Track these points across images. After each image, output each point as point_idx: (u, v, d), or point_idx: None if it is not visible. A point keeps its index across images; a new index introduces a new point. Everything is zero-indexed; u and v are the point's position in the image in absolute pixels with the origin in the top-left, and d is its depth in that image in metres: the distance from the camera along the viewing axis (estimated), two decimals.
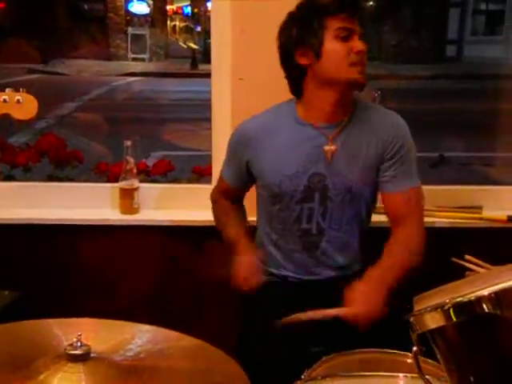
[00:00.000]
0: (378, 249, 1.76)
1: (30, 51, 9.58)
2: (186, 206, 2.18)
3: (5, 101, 1.33)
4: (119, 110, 8.80)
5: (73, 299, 2.06)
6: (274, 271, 1.78)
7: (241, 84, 2.01)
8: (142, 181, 2.27)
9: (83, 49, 13.84)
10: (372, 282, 1.58)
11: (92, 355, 1.02)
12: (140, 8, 15.76)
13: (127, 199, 2.10)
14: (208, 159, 2.22)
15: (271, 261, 1.78)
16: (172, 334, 1.17)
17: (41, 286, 2.07)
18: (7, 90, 1.36)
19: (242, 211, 1.87)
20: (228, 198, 1.86)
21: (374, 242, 1.81)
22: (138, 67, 13.49)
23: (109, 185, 2.21)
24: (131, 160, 2.09)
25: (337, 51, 1.59)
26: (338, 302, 1.66)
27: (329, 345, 1.52)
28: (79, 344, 1.01)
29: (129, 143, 2.08)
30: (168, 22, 15.49)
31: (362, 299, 1.53)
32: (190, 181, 2.44)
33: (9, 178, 2.32)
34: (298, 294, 1.73)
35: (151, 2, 15.70)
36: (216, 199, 1.88)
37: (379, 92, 2.67)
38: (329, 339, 1.61)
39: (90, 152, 4.92)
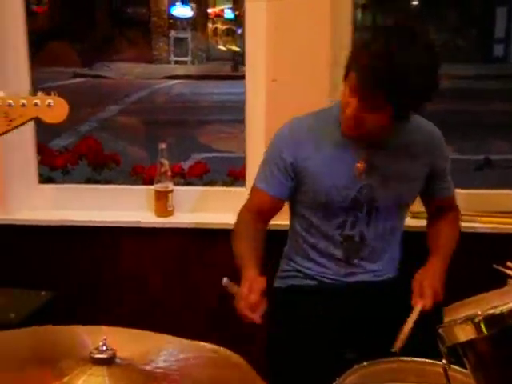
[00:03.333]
0: (412, 253, 1.75)
1: (69, 55, 9.80)
2: (220, 208, 2.17)
3: (36, 104, 1.34)
4: (160, 112, 8.91)
5: (108, 300, 2.08)
6: (309, 272, 1.76)
7: (274, 85, 1.99)
8: (177, 183, 2.28)
9: (127, 52, 14.08)
10: (435, 271, 1.65)
11: (117, 360, 1.02)
12: (183, 11, 15.91)
13: (162, 202, 2.11)
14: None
15: (307, 264, 1.77)
16: (199, 346, 1.16)
17: (76, 286, 2.10)
18: (39, 93, 1.37)
19: (263, 236, 1.71)
20: (258, 215, 1.73)
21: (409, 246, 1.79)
22: (180, 70, 13.63)
23: (144, 187, 2.23)
24: (165, 162, 2.09)
25: (343, 92, 1.57)
26: (371, 305, 1.66)
27: (363, 351, 1.51)
28: (104, 348, 1.01)
29: (163, 146, 2.09)
30: (209, 25, 15.60)
31: (430, 291, 1.58)
32: (225, 183, 2.43)
33: (48, 180, 2.36)
34: (333, 297, 1.72)
35: (194, 6, 15.83)
36: (240, 218, 1.74)
37: None
38: (364, 346, 1.60)
39: (129, 155, 4.99)
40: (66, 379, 0.97)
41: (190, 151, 5.76)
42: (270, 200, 1.72)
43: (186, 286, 2.11)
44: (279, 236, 1.84)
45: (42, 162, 2.34)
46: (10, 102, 1.34)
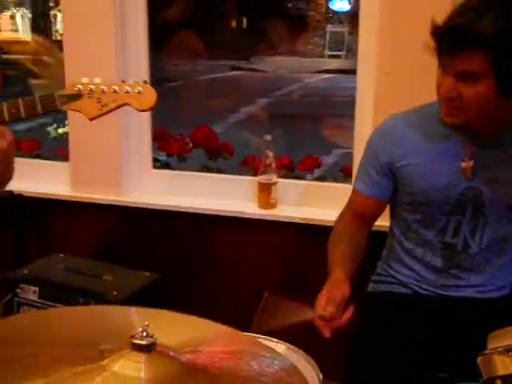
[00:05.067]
0: None
1: (196, 46, 10.14)
2: (325, 204, 2.10)
3: (127, 91, 1.37)
4: (304, 105, 8.93)
5: (204, 286, 2.12)
6: (403, 279, 1.64)
7: (386, 79, 1.87)
8: (285, 176, 2.25)
9: (283, 46, 14.28)
10: None
11: (158, 348, 1.01)
12: (341, 5, 15.79)
13: (265, 193, 2.10)
14: None
15: (402, 270, 1.64)
16: (251, 340, 1.12)
17: (178, 271, 2.15)
18: (131, 80, 1.40)
19: (362, 238, 1.62)
20: (358, 217, 1.64)
21: None
22: (334, 64, 13.53)
23: (250, 178, 2.22)
24: (271, 154, 2.07)
25: (436, 78, 1.45)
26: (470, 323, 1.50)
27: (455, 371, 1.40)
28: (144, 334, 1.00)
29: (269, 137, 2.07)
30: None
31: None
32: (336, 180, 2.35)
33: (165, 165, 2.45)
34: (427, 309, 1.58)
35: None
36: (339, 220, 1.66)
37: None
38: (456, 366, 1.45)
39: (252, 146, 5.04)
40: (104, 362, 0.98)
41: (331, 147, 5.70)
42: (368, 202, 1.63)
43: (279, 281, 2.07)
44: (380, 237, 1.73)
45: (160, 148, 2.43)
46: (104, 87, 1.38)
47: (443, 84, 1.41)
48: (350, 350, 1.60)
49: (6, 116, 1.36)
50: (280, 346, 1.32)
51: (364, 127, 1.96)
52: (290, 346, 1.34)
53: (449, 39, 1.37)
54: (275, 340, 1.34)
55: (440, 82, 1.44)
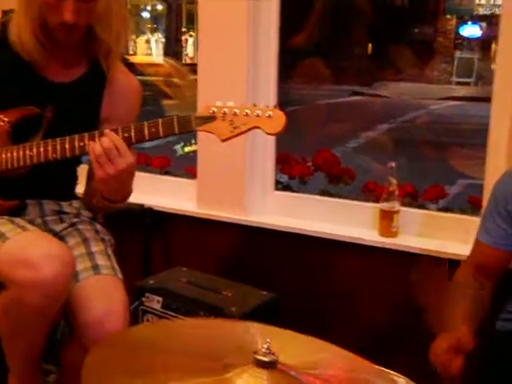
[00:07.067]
0: None
1: (321, 72, 10.13)
2: (450, 236, 2.04)
3: (258, 115, 1.41)
4: (428, 133, 8.69)
5: (321, 310, 2.12)
6: None
7: None
8: (408, 205, 2.21)
9: (407, 72, 14.04)
10: None
11: (279, 366, 1.03)
12: (472, 31, 15.27)
13: (386, 221, 2.07)
14: None
15: None
16: (370, 367, 1.11)
17: (293, 292, 2.16)
18: (261, 104, 1.45)
19: (482, 297, 1.55)
20: (481, 271, 1.58)
21: None
22: (462, 91, 13.08)
23: (372, 204, 2.20)
24: (394, 181, 2.04)
25: None
26: None
27: None
28: (268, 351, 1.03)
29: (393, 164, 2.05)
30: (493, 46, 14.66)
31: None
32: (463, 211, 2.26)
33: (286, 188, 2.49)
34: None
35: (484, 25, 15.07)
36: (458, 277, 1.58)
37: None
38: None
39: (372, 171, 4.98)
40: (228, 375, 1.01)
41: (452, 176, 5.52)
42: (494, 253, 1.56)
43: (391, 312, 2.02)
44: (508, 275, 1.65)
45: (282, 171, 2.48)
46: (236, 110, 1.43)
47: None
48: None
49: (147, 134, 1.46)
50: (400, 380, 1.30)
51: (497, 157, 1.88)
52: (410, 382, 1.31)
53: None
54: (395, 373, 1.32)
55: None
